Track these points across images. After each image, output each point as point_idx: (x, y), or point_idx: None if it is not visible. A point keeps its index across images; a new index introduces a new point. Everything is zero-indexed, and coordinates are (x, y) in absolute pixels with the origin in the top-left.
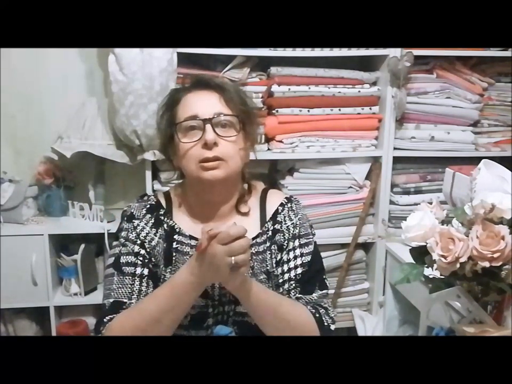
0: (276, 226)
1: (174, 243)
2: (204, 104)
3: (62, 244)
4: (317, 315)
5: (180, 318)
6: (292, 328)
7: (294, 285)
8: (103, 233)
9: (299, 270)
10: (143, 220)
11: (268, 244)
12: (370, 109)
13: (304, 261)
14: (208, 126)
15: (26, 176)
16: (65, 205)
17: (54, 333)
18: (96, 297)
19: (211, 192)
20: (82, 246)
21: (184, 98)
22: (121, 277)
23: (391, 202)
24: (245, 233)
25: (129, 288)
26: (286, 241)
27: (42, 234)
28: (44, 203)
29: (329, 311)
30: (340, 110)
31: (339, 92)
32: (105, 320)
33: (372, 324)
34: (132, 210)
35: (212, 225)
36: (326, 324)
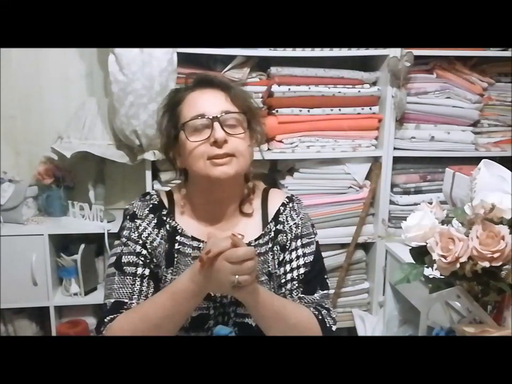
0: (278, 226)
1: (176, 244)
2: (210, 102)
3: (62, 244)
4: (320, 317)
5: (180, 324)
6: (296, 331)
7: (296, 285)
8: (103, 233)
9: (301, 270)
10: (146, 220)
11: (270, 245)
12: (370, 109)
13: (306, 261)
14: (217, 124)
15: (26, 176)
16: (65, 205)
17: (54, 333)
18: (96, 297)
19: (218, 191)
20: (82, 246)
21: (187, 97)
22: (122, 276)
23: (391, 202)
24: (253, 255)
25: (130, 288)
26: (289, 242)
27: (42, 234)
28: (44, 203)
29: (331, 312)
30: (340, 110)
31: (339, 92)
32: (106, 320)
33: (372, 324)
34: (135, 210)
35: (217, 232)
36: (328, 325)
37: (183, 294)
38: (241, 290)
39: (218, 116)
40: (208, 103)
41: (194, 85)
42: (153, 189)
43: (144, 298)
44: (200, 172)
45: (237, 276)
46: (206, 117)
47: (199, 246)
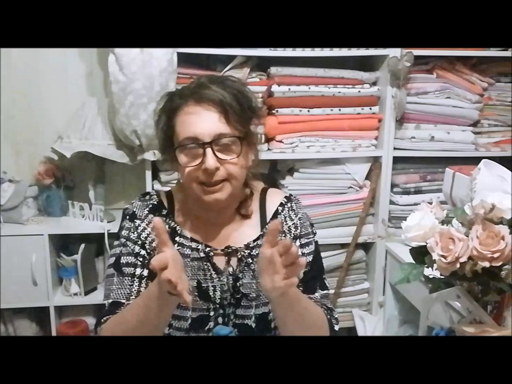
0: None
1: (175, 245)
2: (203, 124)
3: (62, 244)
4: (328, 317)
5: (159, 328)
6: (310, 331)
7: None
8: (103, 233)
9: None
10: (145, 220)
11: None
12: (370, 109)
13: (305, 261)
14: (209, 150)
15: (26, 176)
16: (65, 205)
17: (54, 333)
18: (96, 297)
19: (212, 209)
20: (82, 246)
21: (183, 112)
22: (120, 277)
23: (391, 202)
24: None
25: (128, 289)
26: None
27: (42, 234)
28: (43, 203)
29: (333, 312)
30: (340, 110)
31: (339, 92)
32: (102, 320)
33: (372, 324)
34: (134, 210)
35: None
36: (332, 324)
37: (154, 299)
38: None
39: (211, 141)
40: (201, 125)
41: (189, 96)
42: (153, 189)
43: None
44: (192, 193)
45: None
46: (198, 141)
47: (198, 247)
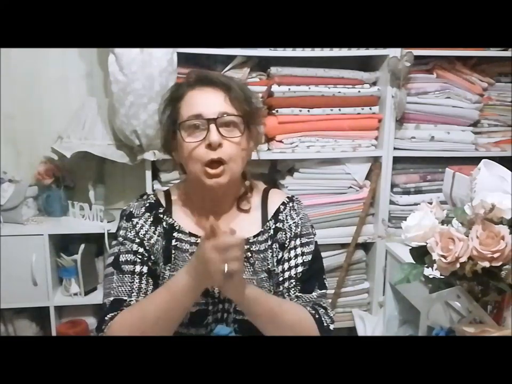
0: (277, 224)
1: (173, 240)
2: (208, 102)
3: (62, 244)
4: (317, 316)
5: (179, 319)
6: (293, 331)
7: (294, 283)
8: (103, 233)
9: (299, 269)
10: (142, 218)
11: (269, 243)
12: (370, 109)
13: (304, 260)
14: (213, 126)
15: (26, 176)
16: (65, 205)
17: (54, 333)
18: (96, 297)
19: (214, 192)
20: (82, 246)
21: (188, 94)
22: (120, 275)
23: (391, 202)
24: (241, 244)
25: (128, 286)
26: (288, 240)
27: (42, 234)
28: (43, 203)
29: (328, 311)
30: (340, 110)
31: (339, 92)
32: (106, 318)
33: (372, 324)
34: (131, 209)
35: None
36: (325, 324)
37: (181, 288)
38: (231, 281)
39: (215, 117)
40: (206, 103)
41: (196, 83)
42: (153, 189)
43: (143, 295)
44: (195, 175)
45: (225, 265)
46: (202, 117)
47: (197, 241)
